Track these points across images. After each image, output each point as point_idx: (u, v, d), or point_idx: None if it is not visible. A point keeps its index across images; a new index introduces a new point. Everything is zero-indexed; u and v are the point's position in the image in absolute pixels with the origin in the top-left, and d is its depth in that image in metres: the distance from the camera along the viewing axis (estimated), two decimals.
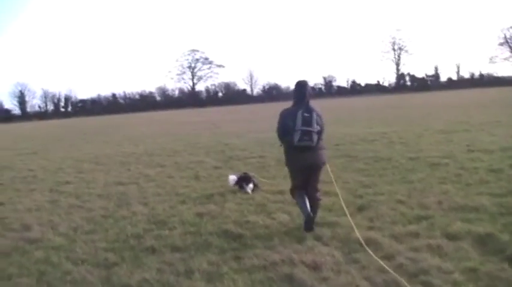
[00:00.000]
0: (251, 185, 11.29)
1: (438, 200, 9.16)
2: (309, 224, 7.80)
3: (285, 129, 7.89)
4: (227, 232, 8.06)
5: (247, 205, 9.96)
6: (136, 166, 17.47)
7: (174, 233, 8.22)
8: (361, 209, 9.09)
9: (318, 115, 7.84)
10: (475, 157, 13.83)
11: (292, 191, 8.34)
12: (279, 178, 12.59)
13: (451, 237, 7.00)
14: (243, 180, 11.47)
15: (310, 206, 7.89)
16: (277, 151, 16.75)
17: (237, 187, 11.48)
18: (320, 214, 8.46)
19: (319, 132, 7.89)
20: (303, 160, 7.94)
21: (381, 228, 7.74)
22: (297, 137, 7.64)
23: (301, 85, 8.13)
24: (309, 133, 7.67)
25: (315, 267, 6.20)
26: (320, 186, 8.49)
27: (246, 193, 11.05)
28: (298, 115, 7.65)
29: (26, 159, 22.90)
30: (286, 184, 10.02)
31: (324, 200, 9.29)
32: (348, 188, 10.85)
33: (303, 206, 7.96)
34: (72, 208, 10.86)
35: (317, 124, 7.76)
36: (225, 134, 28.54)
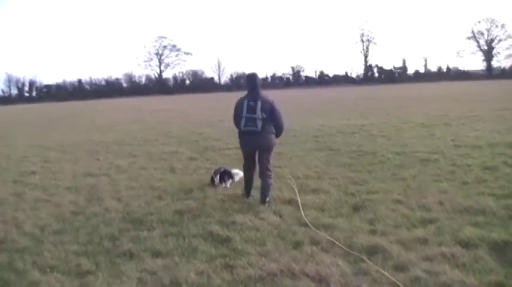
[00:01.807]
0: (230, 180, 10.82)
1: (438, 200, 8.51)
2: (248, 195, 9.46)
3: (236, 117, 9.21)
4: (212, 234, 7.30)
5: (230, 202, 9.16)
6: (106, 155, 16.59)
7: (153, 234, 7.40)
8: (356, 209, 8.36)
9: (264, 102, 8.82)
10: (463, 152, 13.27)
11: (244, 168, 9.63)
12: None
13: (464, 244, 6.32)
14: (225, 174, 10.80)
15: (262, 186, 9.09)
16: None
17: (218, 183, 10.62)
18: (313, 214, 8.02)
19: (265, 119, 8.80)
20: (249, 142, 9.19)
21: (384, 232, 7.02)
22: (243, 123, 8.87)
23: (251, 77, 9.23)
24: (253, 119, 8.75)
25: (320, 280, 5.45)
26: (271, 168, 9.35)
27: (225, 187, 10.51)
28: (245, 104, 8.86)
29: None
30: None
31: (314, 199, 9.02)
32: (338, 185, 10.16)
33: (247, 181, 9.56)
34: (39, 203, 9.96)
35: (262, 111, 8.74)
36: (197, 123, 27.54)
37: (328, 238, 6.81)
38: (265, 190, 9.01)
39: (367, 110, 32.04)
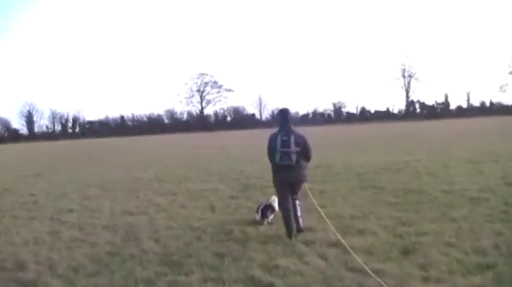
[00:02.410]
0: (272, 215, 10.59)
1: (494, 243, 7.94)
2: (289, 235, 9.12)
3: (270, 151, 9.33)
4: (254, 279, 6.86)
5: (273, 244, 8.70)
6: (145, 193, 16.24)
7: (191, 279, 7.00)
8: (406, 252, 7.81)
9: (297, 137, 9.10)
10: None
11: (280, 204, 9.59)
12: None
13: None
14: (267, 209, 10.56)
15: (293, 211, 9.31)
16: None
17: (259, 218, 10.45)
18: (361, 258, 7.41)
19: (299, 153, 9.09)
20: (285, 176, 9.34)
21: (438, 279, 6.50)
22: (278, 157, 9.06)
23: (283, 112, 9.53)
24: (287, 154, 8.98)
25: None
26: (300, 197, 9.75)
27: (268, 223, 10.37)
28: (278, 138, 9.06)
29: (28, 182, 21.83)
30: (313, 220, 9.99)
31: (361, 241, 8.53)
32: (384, 226, 9.62)
33: (286, 220, 9.24)
34: (74, 242, 9.66)
35: (296, 145, 9.02)
36: (238, 160, 27.22)
37: (383, 284, 6.30)
38: (296, 212, 9.39)
39: (411, 146, 31.32)
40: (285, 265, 7.32)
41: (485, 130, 47.43)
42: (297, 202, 9.46)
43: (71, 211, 13.37)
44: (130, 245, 9.18)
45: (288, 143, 8.96)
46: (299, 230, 9.24)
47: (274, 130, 9.52)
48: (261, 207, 10.56)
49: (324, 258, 7.69)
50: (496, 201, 11.45)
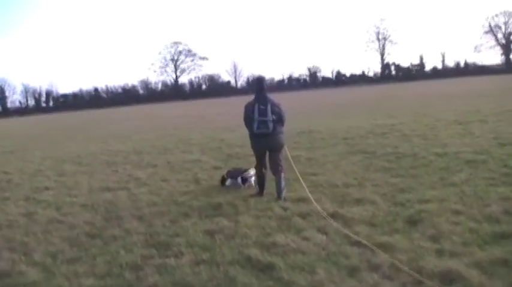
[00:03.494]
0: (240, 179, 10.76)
1: (503, 209, 7.42)
2: (261, 194, 9.70)
3: (247, 120, 9.50)
4: (251, 259, 6.22)
5: (266, 218, 8.08)
6: (124, 166, 15.54)
7: (182, 262, 6.32)
8: (412, 223, 7.24)
9: (273, 105, 9.27)
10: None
11: (257, 168, 9.86)
12: (292, 180, 10.64)
13: None
14: (235, 173, 10.91)
15: (277, 183, 9.49)
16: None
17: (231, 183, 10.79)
18: (364, 230, 7.02)
19: (275, 120, 9.26)
20: (262, 144, 9.55)
21: (454, 253, 5.90)
22: (255, 125, 9.27)
23: (259, 80, 9.69)
24: (264, 122, 9.20)
25: None
26: (282, 164, 9.72)
27: (238, 185, 10.65)
28: (256, 107, 9.24)
29: (1, 159, 20.92)
30: (303, 189, 9.50)
31: (361, 211, 8.01)
32: (383, 194, 9.08)
33: (260, 182, 9.84)
34: (51, 224, 8.91)
35: (272, 113, 9.21)
36: (217, 129, 26.42)
37: (395, 262, 5.70)
38: (280, 185, 9.44)
39: (392, 109, 30.82)
40: (283, 242, 6.69)
41: (465, 91, 47.02)
42: (280, 169, 9.57)
43: (47, 188, 12.63)
44: (112, 225, 8.49)
45: (265, 112, 9.21)
46: (279, 197, 9.34)
47: (250, 98, 9.65)
48: (240, 174, 10.78)
49: (324, 232, 7.09)
50: (494, 163, 10.97)
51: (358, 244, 6.44)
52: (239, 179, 10.67)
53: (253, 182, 10.60)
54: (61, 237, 7.99)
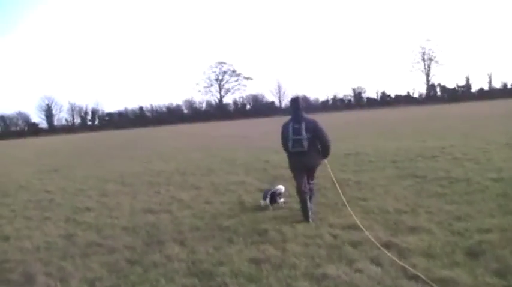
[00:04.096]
0: (283, 199, 11.05)
1: None
2: (306, 219, 9.33)
3: (284, 140, 9.81)
4: None
5: (315, 246, 7.60)
6: (167, 187, 15.20)
7: None
8: (473, 255, 6.66)
9: (308, 123, 9.43)
10: None
11: (298, 191, 9.66)
12: (340, 205, 10.24)
13: None
14: (275, 194, 10.91)
15: (310, 196, 9.63)
16: (330, 170, 14.79)
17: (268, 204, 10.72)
18: (421, 263, 6.44)
19: (310, 139, 9.38)
20: (298, 162, 9.71)
21: None
22: (290, 144, 9.53)
23: (294, 100, 9.94)
24: (299, 141, 9.38)
25: None
26: (314, 180, 10.19)
27: (280, 206, 10.75)
28: (290, 127, 9.52)
29: (45, 177, 20.86)
30: (355, 215, 8.92)
31: (416, 241, 7.43)
32: (438, 222, 8.50)
33: (304, 210, 9.44)
34: (90, 247, 8.61)
35: (307, 132, 9.35)
36: (261, 149, 25.89)
37: None
38: (311, 199, 9.72)
39: (441, 130, 30.04)
40: (334, 274, 6.21)
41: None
42: (312, 186, 9.97)
43: (88, 209, 12.39)
44: (153, 250, 8.13)
45: (299, 131, 9.37)
46: (307, 217, 9.35)
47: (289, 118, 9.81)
48: (269, 193, 10.82)
49: (378, 263, 6.59)
50: None
51: (416, 278, 5.94)
52: (267, 199, 10.70)
53: (282, 202, 10.86)
54: (100, 262, 7.65)
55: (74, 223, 10.89)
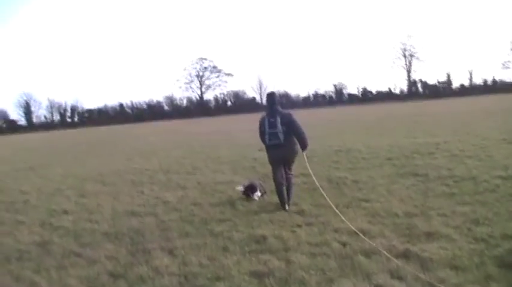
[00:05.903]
0: (258, 193, 11.05)
1: None
2: (283, 207, 9.82)
3: (261, 133, 10.11)
4: None
5: (323, 256, 6.70)
6: (150, 187, 14.26)
7: None
8: (506, 266, 5.82)
9: (283, 117, 9.76)
10: None
11: (274, 179, 10.19)
12: (342, 206, 9.51)
13: None
14: (249, 189, 11.14)
15: (287, 186, 10.03)
16: (324, 168, 13.92)
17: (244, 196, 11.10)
18: (449, 277, 5.60)
19: (286, 131, 9.71)
20: (276, 154, 10.08)
21: None
22: (267, 138, 9.88)
23: (270, 95, 10.29)
24: (275, 134, 9.73)
25: None
26: (292, 171, 10.43)
27: (254, 199, 10.88)
28: (266, 121, 9.85)
29: (20, 177, 19.78)
30: (359, 217, 8.59)
31: (437, 250, 6.57)
32: (455, 226, 7.67)
33: (280, 195, 9.97)
34: (68, 258, 7.64)
35: (282, 125, 9.68)
36: (247, 146, 24.57)
37: None
38: (290, 190, 10.14)
39: (429, 126, 29.24)
40: None
41: (499, 108, 45.31)
42: (291, 177, 10.28)
43: (66, 212, 11.41)
44: (139, 261, 7.18)
45: (274, 124, 9.71)
46: (284, 204, 9.83)
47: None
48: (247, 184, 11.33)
49: (399, 277, 5.73)
50: None
51: None
52: (241, 187, 11.47)
53: (257, 195, 11.01)
54: (78, 276, 6.71)
55: (50, 227, 9.94)
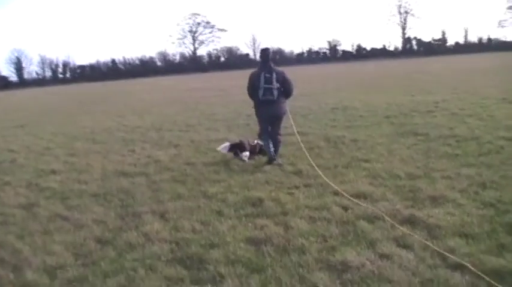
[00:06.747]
0: (246, 153, 10.56)
1: None
2: (271, 162, 9.94)
3: (253, 88, 9.92)
4: None
5: (323, 221, 6.33)
6: (142, 145, 13.86)
7: None
8: None
9: (278, 74, 9.75)
10: None
11: (260, 134, 10.38)
12: (341, 167, 9.21)
13: None
14: (237, 147, 10.67)
15: (274, 146, 10.07)
16: (321, 126, 13.51)
17: (231, 155, 10.74)
18: (460, 246, 5.20)
19: (279, 88, 9.76)
20: (267, 110, 9.97)
21: None
22: (261, 93, 9.74)
23: (264, 51, 10.15)
24: (270, 90, 9.68)
25: None
26: (281, 131, 10.33)
27: (242, 160, 10.43)
28: (261, 76, 9.70)
29: (9, 135, 19.29)
30: (359, 179, 8.29)
31: (444, 215, 6.21)
32: (461, 189, 7.32)
33: (268, 149, 10.09)
34: (54, 222, 7.24)
35: (277, 82, 9.69)
36: (241, 103, 23.68)
37: None
38: (277, 147, 10.19)
39: (427, 84, 28.69)
40: (356, 263, 4.92)
41: (496, 66, 44.86)
42: (279, 138, 10.25)
43: (54, 172, 10.97)
44: (128, 225, 6.80)
45: (270, 80, 9.67)
46: (272, 159, 9.98)
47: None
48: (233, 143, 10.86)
49: (406, 246, 5.34)
50: None
51: (460, 267, 4.70)
52: (224, 147, 10.82)
53: (244, 155, 10.54)
54: (64, 243, 6.28)
55: (37, 189, 9.52)
